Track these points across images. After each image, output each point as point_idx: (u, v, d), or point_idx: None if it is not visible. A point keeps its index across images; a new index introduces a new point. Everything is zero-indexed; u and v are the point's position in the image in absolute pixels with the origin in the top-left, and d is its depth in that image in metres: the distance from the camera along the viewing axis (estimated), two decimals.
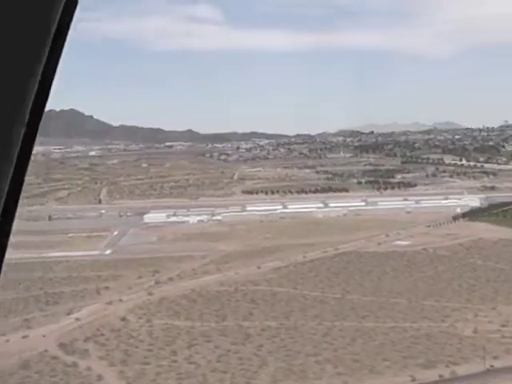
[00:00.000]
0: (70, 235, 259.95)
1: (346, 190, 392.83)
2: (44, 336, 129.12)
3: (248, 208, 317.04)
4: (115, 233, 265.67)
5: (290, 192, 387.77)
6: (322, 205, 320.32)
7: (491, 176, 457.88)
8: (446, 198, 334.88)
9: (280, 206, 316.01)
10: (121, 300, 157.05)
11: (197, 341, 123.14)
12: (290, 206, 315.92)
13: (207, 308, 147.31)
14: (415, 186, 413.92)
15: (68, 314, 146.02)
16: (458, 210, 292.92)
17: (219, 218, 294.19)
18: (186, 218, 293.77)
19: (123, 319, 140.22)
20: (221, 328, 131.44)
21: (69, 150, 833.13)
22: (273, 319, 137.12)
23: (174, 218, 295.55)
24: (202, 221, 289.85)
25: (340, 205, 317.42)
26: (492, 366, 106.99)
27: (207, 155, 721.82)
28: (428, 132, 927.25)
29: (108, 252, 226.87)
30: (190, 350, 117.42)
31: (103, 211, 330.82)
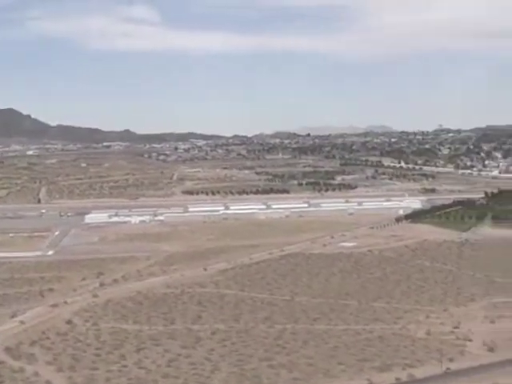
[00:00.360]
0: (11, 235, 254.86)
1: (287, 192, 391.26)
2: None
3: (190, 209, 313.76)
4: (56, 233, 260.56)
5: (231, 193, 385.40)
6: (264, 206, 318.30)
7: (430, 178, 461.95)
8: (388, 200, 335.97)
9: (222, 207, 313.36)
10: (66, 302, 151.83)
11: (145, 344, 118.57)
12: (232, 207, 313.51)
13: (154, 311, 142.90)
14: (356, 187, 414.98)
15: (12, 316, 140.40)
16: (401, 212, 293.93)
17: (161, 218, 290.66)
18: (127, 219, 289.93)
19: (69, 322, 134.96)
20: (169, 331, 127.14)
21: (7, 149, 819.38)
22: (222, 322, 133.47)
23: (115, 218, 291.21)
24: (144, 221, 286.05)
25: (282, 206, 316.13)
26: (449, 368, 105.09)
27: (146, 155, 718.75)
28: (364, 135, 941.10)
29: (50, 253, 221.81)
30: (139, 354, 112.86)
31: (43, 211, 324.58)
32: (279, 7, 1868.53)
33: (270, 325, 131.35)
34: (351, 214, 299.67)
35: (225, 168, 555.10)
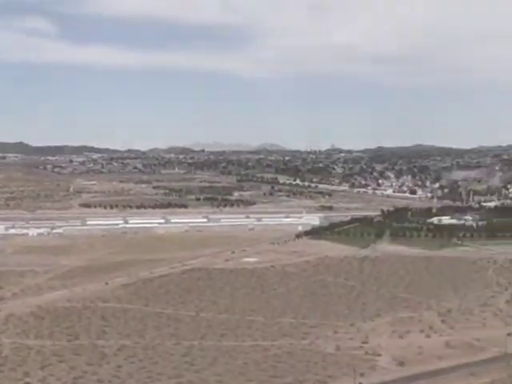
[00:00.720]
0: None
1: (186, 206, 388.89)
2: None
3: (88, 222, 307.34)
4: None
5: (130, 206, 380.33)
6: (163, 220, 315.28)
7: (327, 196, 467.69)
8: (287, 217, 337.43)
9: (121, 221, 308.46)
10: None
11: (49, 361, 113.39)
12: (131, 221, 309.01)
13: (57, 325, 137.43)
14: (254, 203, 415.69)
15: None
16: (300, 228, 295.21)
17: (60, 231, 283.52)
18: (25, 231, 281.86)
19: None
20: (73, 347, 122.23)
21: None
22: (127, 338, 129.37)
23: (12, 231, 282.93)
24: (42, 234, 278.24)
25: (181, 220, 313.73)
26: (361, 383, 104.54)
27: (41, 167, 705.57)
28: (258, 152, 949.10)
29: None
30: (44, 371, 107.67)
31: None
32: (180, 24, 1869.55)
33: (177, 341, 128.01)
34: (251, 229, 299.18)
35: (121, 181, 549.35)
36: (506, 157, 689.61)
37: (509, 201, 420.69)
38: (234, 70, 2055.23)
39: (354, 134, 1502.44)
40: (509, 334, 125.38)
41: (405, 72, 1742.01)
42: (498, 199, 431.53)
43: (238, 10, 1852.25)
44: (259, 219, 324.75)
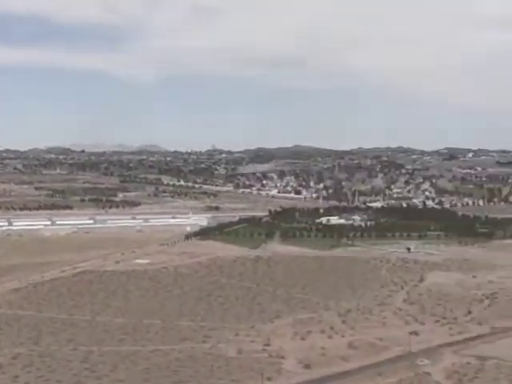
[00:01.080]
0: None
1: (71, 208, 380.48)
2: None
3: None
4: None
5: (13, 208, 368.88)
6: (49, 222, 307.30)
7: (212, 197, 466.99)
8: (174, 217, 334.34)
9: (5, 223, 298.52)
10: None
11: None
12: (15, 223, 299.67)
13: None
14: (139, 204, 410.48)
15: None
16: (189, 229, 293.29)
17: None
18: None
19: None
20: None
21: None
22: (22, 346, 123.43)
23: None
24: None
25: (68, 222, 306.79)
26: None
27: None
28: (139, 153, 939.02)
29: None
30: None
31: None
32: (61, 23, 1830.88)
33: (74, 347, 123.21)
34: (140, 230, 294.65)
35: (2, 182, 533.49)
36: (385, 158, 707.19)
37: (393, 201, 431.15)
38: (117, 70, 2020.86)
39: (234, 135, 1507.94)
40: (411, 333, 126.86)
41: (286, 74, 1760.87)
42: (383, 199, 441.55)
43: (122, 11, 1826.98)
44: (146, 220, 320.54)
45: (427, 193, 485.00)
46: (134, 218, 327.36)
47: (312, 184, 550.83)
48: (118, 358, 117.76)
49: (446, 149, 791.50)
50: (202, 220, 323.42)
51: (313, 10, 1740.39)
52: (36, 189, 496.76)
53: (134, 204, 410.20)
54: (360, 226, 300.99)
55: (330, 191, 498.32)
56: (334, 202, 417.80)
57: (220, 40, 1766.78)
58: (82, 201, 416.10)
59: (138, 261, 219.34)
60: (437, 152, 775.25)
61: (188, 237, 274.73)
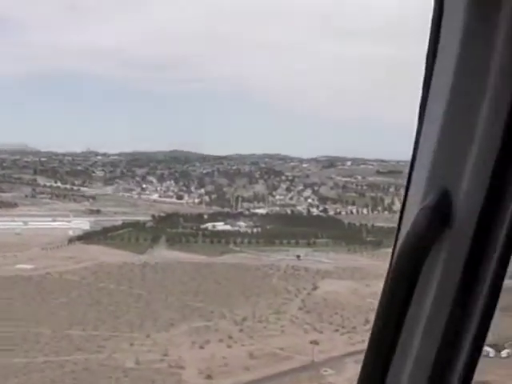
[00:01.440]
0: None
1: None
2: None
3: None
4: None
5: None
6: None
7: (91, 200, 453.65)
8: (55, 220, 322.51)
9: None
10: None
11: None
12: None
13: None
14: (16, 206, 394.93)
15: None
16: (71, 233, 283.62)
17: None
18: None
19: None
20: None
21: None
22: None
23: None
24: None
25: None
26: None
27: None
28: (12, 153, 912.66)
29: None
30: None
31: None
32: None
33: None
34: (19, 233, 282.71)
35: None
36: (263, 165, 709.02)
37: (277, 208, 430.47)
38: None
39: (109, 137, 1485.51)
40: (311, 342, 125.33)
41: (158, 78, 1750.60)
42: (267, 206, 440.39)
43: None
44: (25, 223, 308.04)
45: (310, 200, 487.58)
46: (13, 221, 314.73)
47: (193, 189, 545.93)
48: (8, 370, 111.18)
49: (324, 157, 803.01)
50: (84, 223, 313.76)
51: (186, 12, 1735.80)
52: None
53: (10, 205, 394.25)
54: (247, 232, 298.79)
55: (213, 196, 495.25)
56: (217, 208, 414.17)
57: (94, 40, 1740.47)
58: None
59: (20, 266, 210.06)
60: (315, 159, 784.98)
61: (71, 241, 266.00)
